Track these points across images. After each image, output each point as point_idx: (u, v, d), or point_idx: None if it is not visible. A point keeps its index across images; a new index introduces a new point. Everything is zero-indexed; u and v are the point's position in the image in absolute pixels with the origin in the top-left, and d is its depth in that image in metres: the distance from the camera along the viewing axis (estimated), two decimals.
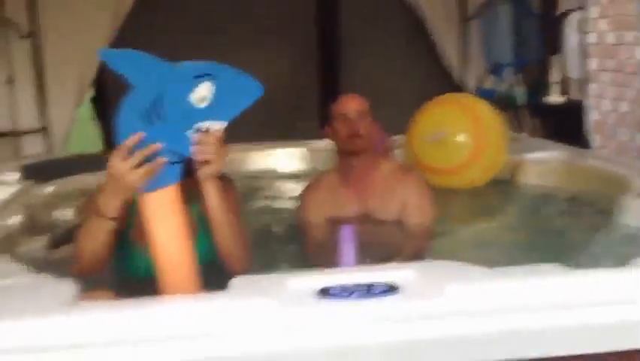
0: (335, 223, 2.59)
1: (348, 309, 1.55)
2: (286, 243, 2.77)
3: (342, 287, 1.62)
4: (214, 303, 1.61)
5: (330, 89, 4.90)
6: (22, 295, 1.70)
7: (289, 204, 3.23)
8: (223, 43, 4.76)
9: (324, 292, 1.60)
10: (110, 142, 4.72)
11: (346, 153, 2.63)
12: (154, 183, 1.78)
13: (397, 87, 4.88)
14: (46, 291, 1.68)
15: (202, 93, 1.81)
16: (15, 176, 3.26)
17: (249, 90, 1.87)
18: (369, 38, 4.91)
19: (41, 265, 2.17)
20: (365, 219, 2.64)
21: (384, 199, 2.62)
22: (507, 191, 3.33)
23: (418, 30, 4.81)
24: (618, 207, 2.55)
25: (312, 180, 2.84)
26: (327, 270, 1.79)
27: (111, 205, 1.82)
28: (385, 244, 2.56)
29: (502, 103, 4.75)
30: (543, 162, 3.43)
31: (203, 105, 1.82)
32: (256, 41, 4.84)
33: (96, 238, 1.86)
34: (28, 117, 4.36)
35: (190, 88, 1.81)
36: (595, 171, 3.07)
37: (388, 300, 1.58)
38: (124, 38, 4.48)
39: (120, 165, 1.74)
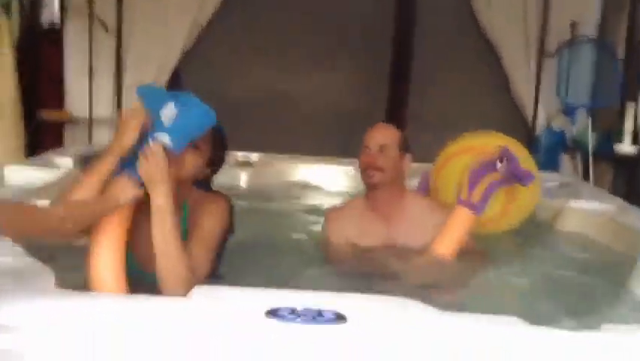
0: (356, 247, 2.63)
1: (292, 332, 1.59)
2: (300, 259, 2.79)
3: (291, 310, 1.66)
4: (167, 306, 1.69)
5: (397, 111, 4.92)
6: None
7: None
8: (296, 57, 4.88)
9: (273, 313, 1.65)
10: None
11: (368, 185, 2.64)
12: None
13: (464, 115, 4.82)
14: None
15: (168, 113, 1.91)
16: (68, 162, 3.45)
17: (204, 120, 2.00)
18: (441, 64, 4.88)
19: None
20: (389, 247, 2.65)
21: (412, 229, 2.61)
22: (539, 235, 3.21)
23: (492, 61, 4.73)
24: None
25: (341, 202, 2.89)
26: (285, 290, 1.82)
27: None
28: (407, 271, 2.55)
29: (571, 146, 4.63)
30: (587, 212, 3.28)
31: (167, 124, 1.91)
32: (329, 58, 4.91)
33: None
34: (104, 107, 4.62)
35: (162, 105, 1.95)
36: (636, 234, 2.91)
37: (333, 328, 1.61)
38: (199, 48, 4.69)
39: None
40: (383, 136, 2.60)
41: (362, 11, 4.85)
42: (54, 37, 4.59)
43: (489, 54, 4.73)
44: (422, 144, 4.71)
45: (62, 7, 4.59)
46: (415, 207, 2.67)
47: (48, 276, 1.84)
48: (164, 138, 1.92)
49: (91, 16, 4.50)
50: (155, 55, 4.57)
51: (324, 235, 2.74)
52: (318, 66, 4.91)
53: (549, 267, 2.75)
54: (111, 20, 4.54)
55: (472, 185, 2.62)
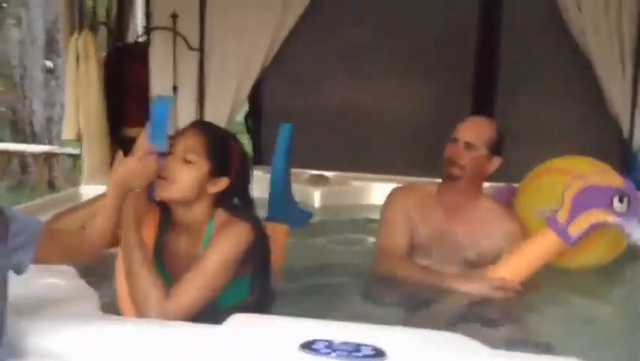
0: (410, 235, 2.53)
1: None
2: (352, 287, 2.65)
3: (328, 343, 1.58)
4: (200, 334, 1.64)
5: None
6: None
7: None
8: (378, 69, 4.78)
9: (307, 346, 1.57)
10: (259, 157, 4.92)
11: (444, 175, 2.58)
12: None
13: (554, 128, 4.58)
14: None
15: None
16: None
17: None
18: (529, 75, 4.63)
19: None
20: (446, 245, 2.52)
21: (476, 233, 2.50)
22: (620, 270, 2.90)
23: (584, 71, 4.46)
24: None
25: (412, 183, 2.82)
26: (323, 321, 1.73)
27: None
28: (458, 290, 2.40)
29: None
30: None
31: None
32: (409, 68, 4.77)
33: None
34: (187, 123, 4.67)
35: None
36: None
37: None
38: (280, 61, 4.67)
39: None
40: (472, 133, 2.54)
41: (444, 18, 4.67)
42: (140, 54, 4.68)
43: (581, 64, 4.44)
44: (510, 159, 4.53)
45: (148, 25, 4.68)
46: (486, 211, 2.57)
47: (93, 300, 1.84)
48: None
49: (174, 33, 4.57)
50: (235, 70, 4.58)
51: (383, 211, 2.65)
52: (398, 77, 4.78)
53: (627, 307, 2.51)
54: (194, 37, 4.59)
55: (576, 211, 2.36)
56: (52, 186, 7.94)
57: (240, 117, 5.13)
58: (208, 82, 4.64)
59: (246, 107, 5.07)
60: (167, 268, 2.03)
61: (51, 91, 9.71)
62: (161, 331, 1.67)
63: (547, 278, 2.51)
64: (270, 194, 2.44)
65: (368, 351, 1.54)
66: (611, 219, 2.31)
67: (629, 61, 4.39)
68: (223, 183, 2.06)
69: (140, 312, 1.88)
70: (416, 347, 1.58)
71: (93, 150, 4.26)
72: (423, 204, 2.60)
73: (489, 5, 4.64)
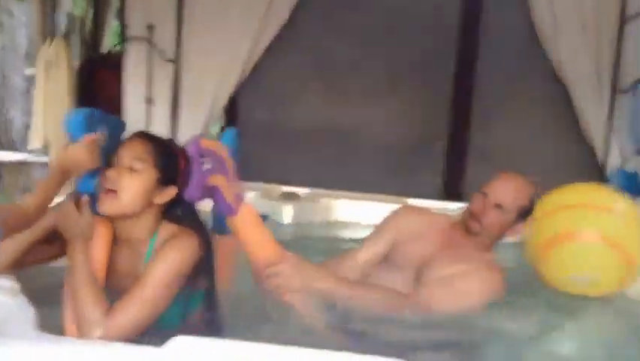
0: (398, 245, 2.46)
1: None
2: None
3: None
4: (137, 356, 1.57)
5: (457, 145, 4.72)
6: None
7: None
8: (356, 87, 4.75)
9: None
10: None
11: (463, 224, 2.43)
12: None
13: (529, 151, 4.55)
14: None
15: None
16: None
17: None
18: (505, 97, 4.63)
19: None
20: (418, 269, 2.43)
21: (445, 268, 2.37)
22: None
23: (560, 95, 4.45)
24: None
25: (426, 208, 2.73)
26: (266, 345, 1.65)
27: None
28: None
29: None
30: None
31: None
32: (386, 87, 4.75)
33: None
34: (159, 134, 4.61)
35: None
36: None
37: None
38: (257, 75, 4.63)
39: None
40: (507, 196, 2.34)
41: (422, 42, 4.66)
42: (114, 64, 4.62)
43: (557, 88, 4.45)
44: (483, 181, 4.48)
45: (123, 35, 4.63)
46: (479, 259, 2.39)
47: (30, 318, 1.77)
48: None
49: (150, 44, 4.51)
50: (211, 83, 4.53)
51: (386, 218, 2.56)
52: (374, 98, 4.75)
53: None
54: (170, 49, 4.54)
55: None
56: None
57: (214, 130, 5.07)
58: (183, 94, 4.59)
59: (221, 121, 5.01)
60: (110, 286, 1.95)
61: (31, 99, 9.60)
62: (96, 351, 1.60)
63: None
64: (212, 206, 2.32)
65: None
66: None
67: (606, 85, 4.39)
68: (171, 192, 1.96)
69: (82, 331, 1.80)
70: None
71: None
72: (425, 229, 2.46)
73: (467, 28, 4.64)
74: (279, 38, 4.58)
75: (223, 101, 4.61)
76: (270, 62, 4.65)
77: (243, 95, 4.77)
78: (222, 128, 5.03)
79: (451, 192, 4.69)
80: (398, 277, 2.37)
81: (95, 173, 1.95)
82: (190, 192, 1.98)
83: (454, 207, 3.88)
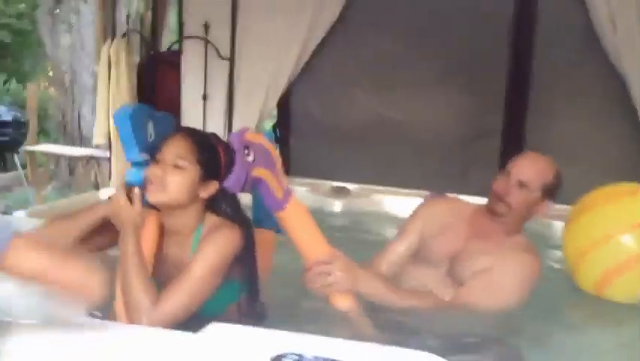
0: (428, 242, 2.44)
1: None
2: None
3: (298, 357, 1.57)
4: (173, 341, 1.65)
5: (513, 141, 4.65)
6: None
7: None
8: (407, 82, 4.76)
9: (277, 359, 1.56)
10: (287, 168, 4.94)
11: (487, 207, 2.40)
12: None
13: (586, 147, 4.46)
14: None
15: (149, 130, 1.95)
16: None
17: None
18: (562, 93, 4.53)
19: None
20: (456, 261, 2.41)
21: (474, 256, 2.33)
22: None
23: (619, 90, 4.34)
24: None
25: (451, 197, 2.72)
26: (299, 335, 1.71)
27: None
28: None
29: None
30: None
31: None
32: (439, 82, 4.72)
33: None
34: (216, 132, 4.71)
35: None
36: None
37: None
38: (309, 71, 4.69)
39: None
40: (529, 172, 2.33)
41: (475, 34, 4.60)
42: (172, 61, 4.75)
43: (616, 82, 4.33)
44: None
45: (181, 34, 4.76)
46: (512, 244, 2.35)
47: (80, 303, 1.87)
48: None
49: (206, 42, 4.63)
50: (264, 80, 4.61)
51: (412, 212, 2.56)
52: (426, 93, 4.74)
53: None
54: (225, 46, 4.64)
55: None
56: (97, 188, 8.11)
57: (268, 127, 5.16)
58: (237, 91, 4.69)
59: (274, 117, 5.09)
60: (158, 274, 2.05)
61: None
62: (137, 335, 1.69)
63: None
64: (252, 201, 2.39)
65: None
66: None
67: None
68: (213, 187, 2.06)
69: (131, 318, 1.90)
70: None
71: (121, 155, 4.34)
72: (451, 219, 2.44)
73: (522, 19, 4.57)
74: (330, 34, 4.63)
75: (276, 97, 4.69)
76: (322, 58, 4.71)
77: (295, 92, 4.85)
78: (275, 124, 5.12)
79: None
80: (431, 273, 2.37)
81: (143, 164, 2.04)
82: (231, 183, 2.04)
83: None
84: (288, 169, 4.94)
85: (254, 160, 2.07)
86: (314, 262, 2.10)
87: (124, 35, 4.50)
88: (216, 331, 1.69)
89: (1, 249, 1.54)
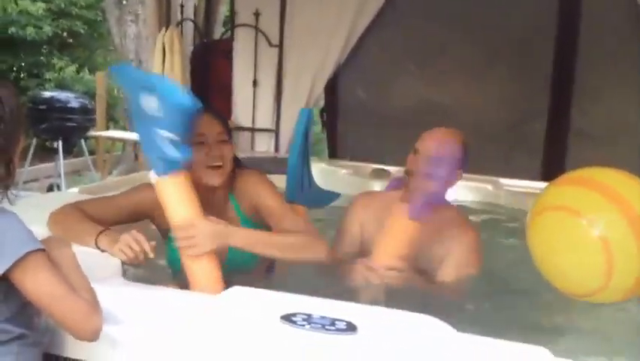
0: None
1: (302, 338, 1.63)
2: None
3: (307, 316, 1.70)
4: (195, 301, 1.81)
5: (557, 125, 4.66)
6: None
7: None
8: (452, 66, 4.81)
9: (287, 318, 1.70)
10: (334, 151, 5.09)
11: (406, 186, 2.46)
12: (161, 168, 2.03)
13: (632, 133, 4.44)
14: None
15: (149, 104, 1.94)
16: None
17: (187, 107, 1.95)
18: (607, 77, 4.51)
19: None
20: None
21: (429, 243, 2.40)
22: None
23: None
24: None
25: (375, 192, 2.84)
26: (310, 297, 1.85)
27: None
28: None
29: None
30: None
31: (155, 114, 1.94)
32: (485, 66, 4.77)
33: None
34: (264, 117, 4.91)
35: (138, 96, 1.97)
36: None
37: (343, 338, 1.63)
38: (355, 57, 4.80)
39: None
40: (438, 147, 2.36)
41: (520, 18, 4.63)
42: (224, 50, 4.94)
43: None
44: (586, 160, 4.40)
45: (232, 22, 4.93)
46: (445, 221, 2.44)
47: (116, 267, 2.06)
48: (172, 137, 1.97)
49: (256, 30, 4.80)
50: (312, 66, 4.76)
51: (342, 218, 2.64)
52: (471, 77, 4.79)
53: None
54: (274, 34, 4.80)
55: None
56: None
57: (316, 112, 5.29)
58: (286, 77, 4.84)
59: (322, 102, 5.22)
60: None
61: None
62: (156, 295, 1.87)
63: None
64: (287, 178, 2.55)
65: (342, 325, 1.66)
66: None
67: None
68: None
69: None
70: (387, 325, 1.68)
71: None
72: (383, 212, 2.47)
73: (568, 2, 4.56)
74: (376, 20, 4.74)
75: (323, 82, 4.83)
76: (368, 43, 4.82)
77: (342, 77, 4.97)
78: (323, 109, 5.25)
79: (551, 174, 4.64)
80: None
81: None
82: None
83: None
84: (335, 152, 5.09)
85: None
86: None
87: (178, 24, 4.71)
88: (233, 293, 1.84)
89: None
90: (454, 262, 2.42)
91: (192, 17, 4.94)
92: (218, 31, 5.26)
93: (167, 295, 1.90)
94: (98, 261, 2.03)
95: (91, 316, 1.55)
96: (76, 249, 1.83)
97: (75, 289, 1.56)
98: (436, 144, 2.38)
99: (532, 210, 2.31)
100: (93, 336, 1.55)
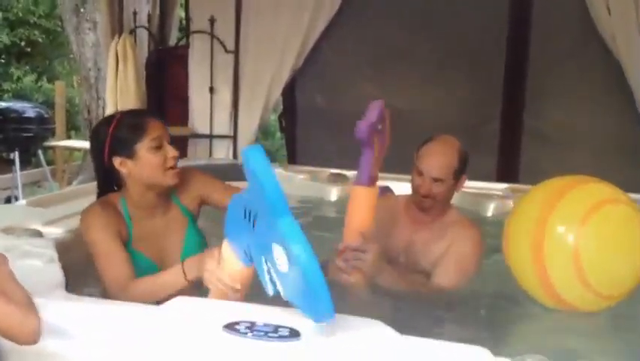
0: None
1: (248, 347, 1.62)
2: None
3: (250, 324, 1.69)
4: (138, 313, 1.79)
5: (511, 127, 4.72)
6: None
7: None
8: (408, 71, 4.85)
9: (230, 326, 1.69)
10: (294, 157, 5.08)
11: (414, 201, 2.59)
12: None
13: (584, 131, 4.52)
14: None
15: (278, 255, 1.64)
16: None
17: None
18: (559, 76, 4.59)
19: None
20: (410, 253, 2.60)
21: (433, 245, 2.54)
22: None
23: (614, 73, 4.37)
24: None
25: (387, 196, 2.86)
26: (252, 305, 1.84)
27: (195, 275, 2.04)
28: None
29: None
30: None
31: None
32: (441, 69, 4.82)
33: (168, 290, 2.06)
34: (222, 124, 4.89)
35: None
36: None
37: (285, 345, 1.62)
38: (312, 61, 4.81)
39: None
40: (439, 169, 2.48)
41: (473, 22, 4.69)
42: (180, 57, 4.91)
43: (611, 66, 4.36)
44: (539, 160, 4.46)
45: (188, 29, 4.91)
46: (449, 224, 2.58)
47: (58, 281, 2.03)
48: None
49: (212, 36, 4.78)
50: (268, 72, 4.75)
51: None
52: (426, 81, 4.83)
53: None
54: (230, 40, 4.79)
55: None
56: None
57: (273, 116, 5.29)
58: (242, 83, 4.83)
59: (280, 107, 5.23)
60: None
61: None
62: (101, 308, 1.85)
63: None
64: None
65: (285, 332, 1.65)
66: None
67: None
68: None
69: None
70: (330, 330, 1.67)
71: None
72: (391, 216, 2.64)
73: (518, 6, 4.63)
74: (332, 25, 4.75)
75: (280, 87, 4.82)
76: (324, 48, 4.83)
77: (300, 81, 4.97)
78: (281, 114, 5.25)
79: (506, 172, 4.72)
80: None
81: None
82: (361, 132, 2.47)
83: (503, 187, 3.97)
84: (295, 157, 5.09)
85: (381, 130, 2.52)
86: (350, 244, 2.34)
87: (131, 32, 4.67)
88: (177, 303, 1.83)
89: None
90: (455, 260, 2.50)
91: (146, 25, 4.90)
92: (173, 38, 5.22)
93: (110, 308, 1.88)
94: (39, 275, 2.01)
95: (25, 318, 1.54)
96: (15, 263, 1.82)
97: (6, 296, 1.53)
98: (438, 165, 2.50)
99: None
100: (32, 337, 1.56)
